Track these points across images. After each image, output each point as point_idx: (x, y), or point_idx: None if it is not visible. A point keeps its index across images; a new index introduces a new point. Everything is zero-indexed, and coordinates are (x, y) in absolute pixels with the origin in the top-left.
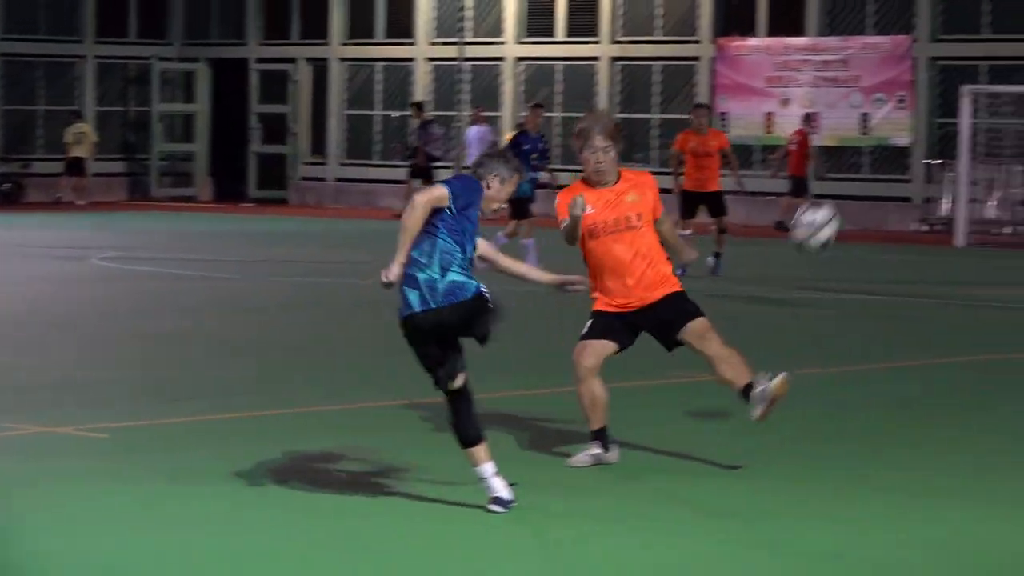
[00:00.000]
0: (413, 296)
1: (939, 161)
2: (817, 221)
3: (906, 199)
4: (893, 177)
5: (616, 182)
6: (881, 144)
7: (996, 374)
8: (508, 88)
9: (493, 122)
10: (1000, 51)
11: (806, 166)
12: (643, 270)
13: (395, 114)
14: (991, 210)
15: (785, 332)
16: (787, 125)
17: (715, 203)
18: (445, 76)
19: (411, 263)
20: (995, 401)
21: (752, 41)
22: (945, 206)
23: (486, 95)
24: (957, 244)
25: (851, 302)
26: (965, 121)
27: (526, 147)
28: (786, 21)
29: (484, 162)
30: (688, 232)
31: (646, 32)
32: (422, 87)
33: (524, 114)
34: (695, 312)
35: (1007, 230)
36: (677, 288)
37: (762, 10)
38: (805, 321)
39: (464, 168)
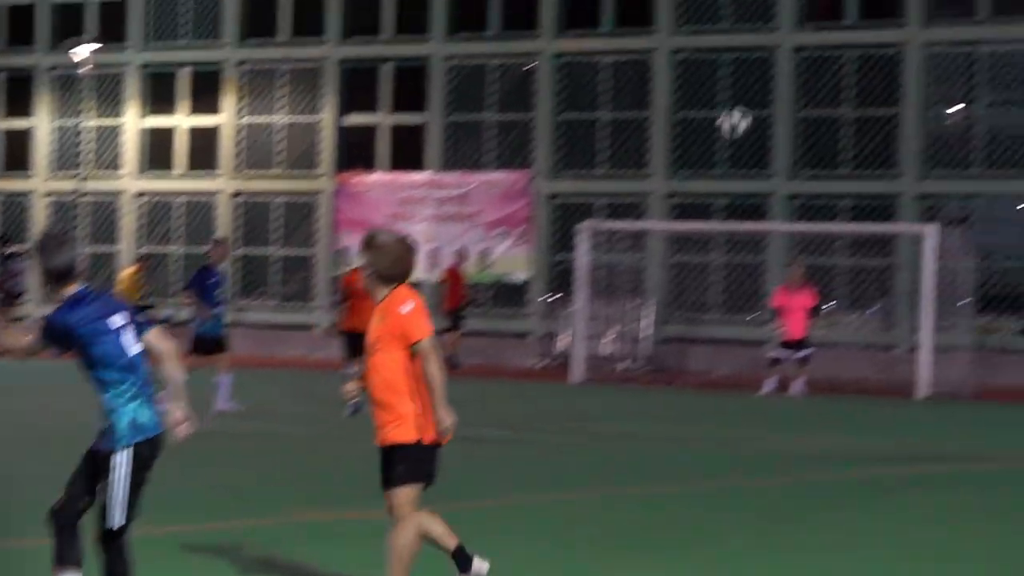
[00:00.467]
0: (152, 415)
1: (557, 296)
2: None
3: (524, 335)
4: (512, 312)
5: (380, 301)
6: (500, 280)
7: (632, 507)
8: (127, 222)
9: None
10: (616, 188)
11: (460, 300)
12: (379, 400)
13: None
14: (608, 346)
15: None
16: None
17: None
18: (63, 210)
19: (146, 383)
20: (638, 533)
21: (373, 176)
22: (563, 342)
23: (104, 229)
24: (574, 380)
25: (472, 439)
26: (582, 257)
27: (212, 281)
28: (407, 156)
29: (69, 260)
30: (355, 370)
31: (266, 166)
32: (39, 220)
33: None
34: (398, 479)
35: (623, 365)
36: (398, 439)
37: (383, 145)
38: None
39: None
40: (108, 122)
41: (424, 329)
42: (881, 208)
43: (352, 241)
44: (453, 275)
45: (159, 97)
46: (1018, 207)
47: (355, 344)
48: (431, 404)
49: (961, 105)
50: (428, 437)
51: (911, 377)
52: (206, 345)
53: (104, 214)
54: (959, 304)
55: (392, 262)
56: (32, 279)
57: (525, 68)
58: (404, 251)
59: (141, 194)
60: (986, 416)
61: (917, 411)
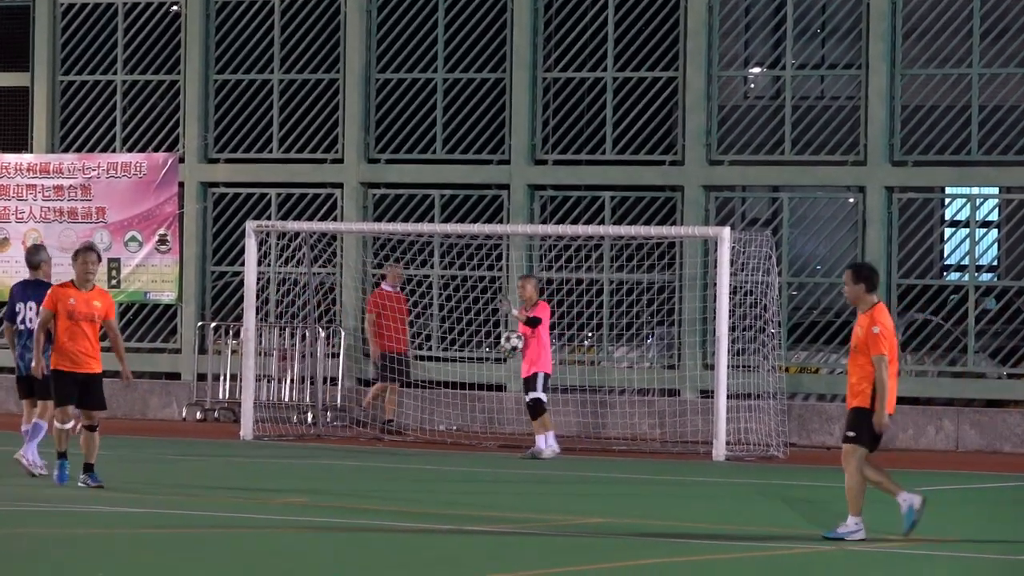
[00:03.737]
0: None
1: (218, 324)
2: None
3: (174, 375)
4: (155, 346)
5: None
6: (137, 301)
7: None
8: None
9: None
10: (297, 175)
11: (405, 339)
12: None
13: None
14: (289, 390)
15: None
16: (8, 275)
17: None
18: None
19: None
20: None
21: None
22: (227, 385)
23: None
24: (245, 437)
25: (118, 516)
26: (251, 269)
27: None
28: (4, 131)
29: None
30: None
31: None
32: None
33: None
34: None
35: (310, 417)
36: None
37: None
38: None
39: None
40: None
41: None
42: (658, 204)
43: None
44: (386, 303)
45: None
46: (841, 202)
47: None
48: None
49: (761, 68)
50: None
51: (703, 433)
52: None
53: None
54: (765, 335)
55: None
56: None
57: (171, 6)
58: None
59: None
60: (797, 485)
61: (711, 478)
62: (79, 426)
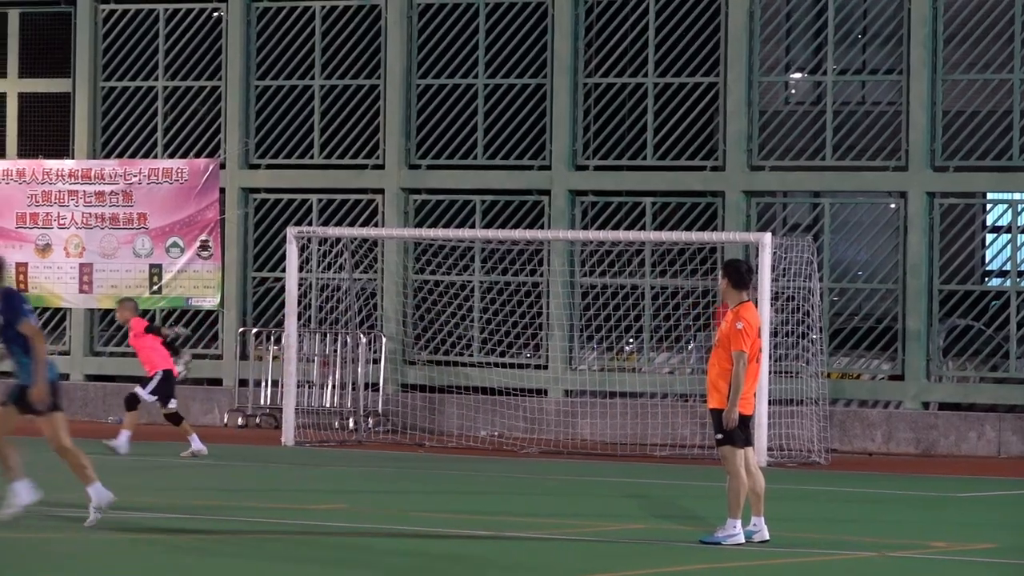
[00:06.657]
0: None
1: (259, 330)
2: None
3: (216, 381)
4: (196, 352)
5: None
6: (178, 307)
7: None
8: None
9: None
10: (338, 181)
11: None
12: None
13: None
14: (330, 396)
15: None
16: (50, 281)
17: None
18: None
19: None
20: None
21: None
22: (269, 391)
23: None
24: (286, 443)
25: (156, 521)
26: (292, 275)
27: None
28: (45, 137)
29: None
30: None
31: None
32: None
33: None
34: None
35: (351, 423)
36: None
37: (11, 121)
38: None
39: None
40: None
41: None
42: (699, 210)
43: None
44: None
45: None
46: (882, 207)
47: None
48: None
49: (802, 73)
50: None
51: None
52: None
53: None
54: (806, 340)
55: None
56: None
57: (212, 12)
58: None
59: None
60: (839, 491)
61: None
62: None
